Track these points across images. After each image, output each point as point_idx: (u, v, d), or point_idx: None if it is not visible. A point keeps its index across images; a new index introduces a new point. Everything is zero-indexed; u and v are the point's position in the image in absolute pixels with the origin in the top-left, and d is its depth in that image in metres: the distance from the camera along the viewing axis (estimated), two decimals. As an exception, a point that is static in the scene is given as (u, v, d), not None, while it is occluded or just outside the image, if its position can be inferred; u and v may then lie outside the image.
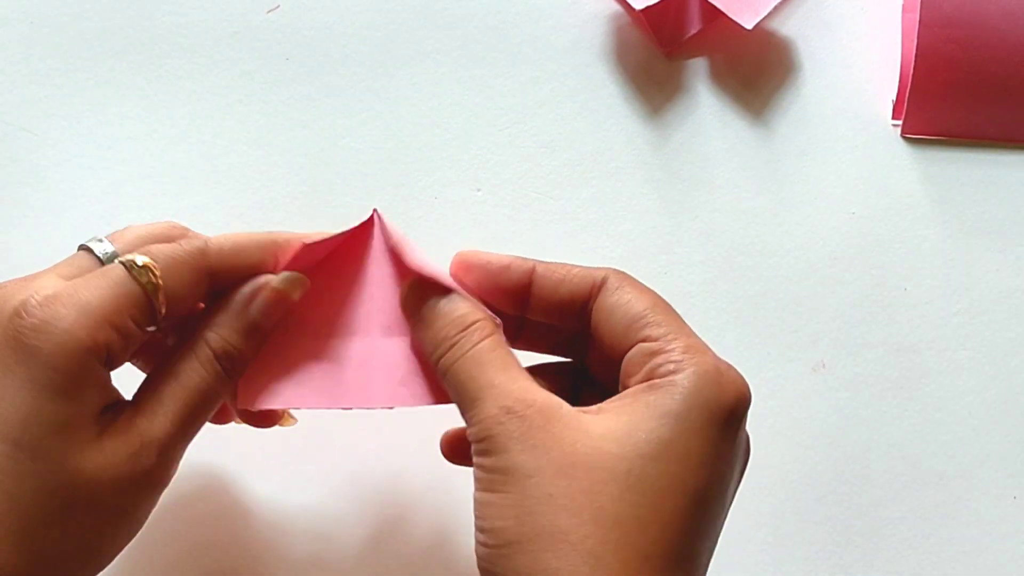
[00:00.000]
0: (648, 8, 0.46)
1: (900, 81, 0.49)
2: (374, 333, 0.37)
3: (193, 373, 0.33)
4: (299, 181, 0.46)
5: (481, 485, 0.31)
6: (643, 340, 0.33)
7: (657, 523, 0.30)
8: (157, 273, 0.32)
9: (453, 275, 0.36)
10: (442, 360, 0.34)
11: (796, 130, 0.48)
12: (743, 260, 0.47)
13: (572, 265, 0.36)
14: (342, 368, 0.37)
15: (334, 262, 0.37)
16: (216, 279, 0.34)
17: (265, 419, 0.39)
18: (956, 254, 0.47)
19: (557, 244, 0.46)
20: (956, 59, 0.47)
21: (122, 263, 0.32)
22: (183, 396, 0.33)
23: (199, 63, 0.47)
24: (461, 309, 0.34)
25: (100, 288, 0.31)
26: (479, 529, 0.31)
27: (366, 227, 0.37)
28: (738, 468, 0.33)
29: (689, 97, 0.48)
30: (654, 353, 0.32)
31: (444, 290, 0.35)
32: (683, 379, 0.31)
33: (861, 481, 0.45)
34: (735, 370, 0.33)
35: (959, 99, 0.48)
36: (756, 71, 0.49)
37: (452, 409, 0.34)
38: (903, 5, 0.50)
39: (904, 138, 0.48)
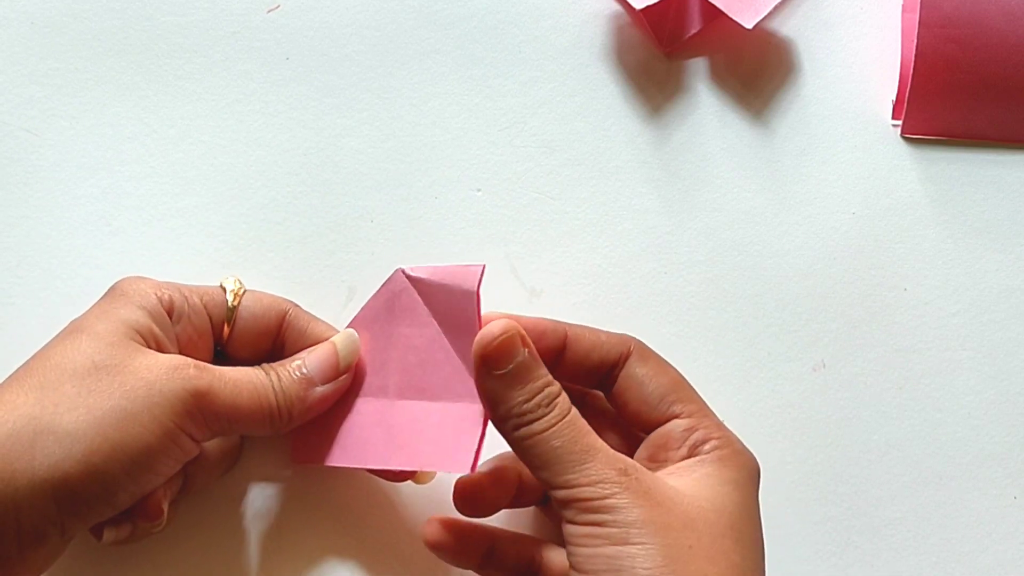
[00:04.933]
0: (648, 8, 0.46)
1: (900, 81, 0.49)
2: (407, 396, 0.39)
3: (252, 371, 0.38)
4: (299, 181, 0.46)
5: (609, 541, 0.34)
6: (676, 416, 0.38)
7: (754, 572, 0.35)
8: (240, 289, 0.40)
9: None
10: (533, 425, 0.35)
11: (796, 130, 0.48)
12: (743, 260, 0.47)
13: (599, 331, 0.40)
14: (375, 430, 0.39)
15: (374, 325, 0.40)
16: (287, 337, 0.41)
17: (399, 475, 0.41)
18: (956, 254, 0.47)
19: (557, 244, 0.46)
20: (956, 59, 0.47)
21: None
22: (239, 372, 0.37)
23: (199, 63, 0.47)
24: (546, 378, 0.36)
25: (191, 284, 0.40)
26: None
27: (392, 287, 0.39)
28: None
29: (689, 97, 0.48)
30: (692, 429, 0.38)
31: (523, 353, 0.36)
32: (731, 455, 0.37)
33: (861, 481, 0.45)
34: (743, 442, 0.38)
35: (959, 99, 0.48)
36: (756, 71, 0.49)
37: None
38: (903, 5, 0.50)
39: (904, 138, 0.48)
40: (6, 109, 0.46)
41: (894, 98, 0.49)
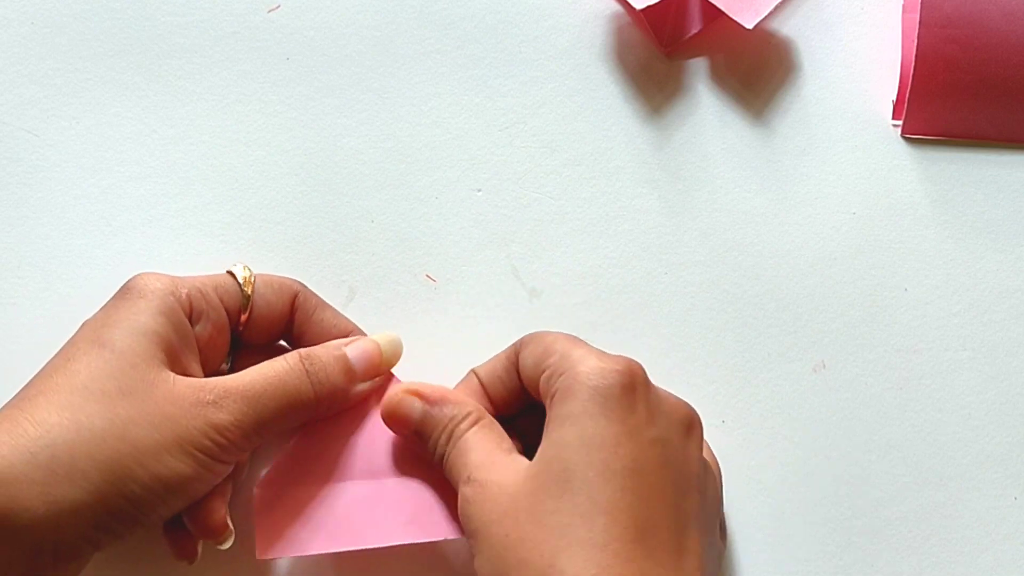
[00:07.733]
0: (648, 8, 0.46)
1: (900, 81, 0.49)
2: (379, 475, 0.39)
3: (280, 366, 0.37)
4: (299, 181, 0.46)
5: (476, 559, 0.34)
6: (542, 372, 0.36)
7: (603, 513, 0.32)
8: (251, 275, 0.40)
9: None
10: (442, 459, 0.37)
11: (796, 130, 0.48)
12: (743, 260, 0.47)
13: (498, 356, 0.39)
14: (350, 511, 0.39)
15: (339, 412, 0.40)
16: (296, 318, 0.40)
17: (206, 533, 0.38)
18: (956, 254, 0.47)
19: (557, 244, 0.46)
20: (956, 59, 0.47)
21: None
22: (262, 378, 0.37)
23: (199, 63, 0.47)
24: (449, 411, 0.37)
25: (200, 275, 0.39)
26: None
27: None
28: (673, 434, 0.35)
29: (689, 97, 0.48)
30: (549, 377, 0.36)
31: (431, 398, 0.38)
32: (566, 381, 0.35)
33: (861, 482, 0.45)
34: (616, 356, 0.35)
35: (959, 99, 0.48)
36: (756, 71, 0.49)
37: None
38: (903, 5, 0.50)
39: (904, 138, 0.48)
40: (6, 109, 0.46)
41: (894, 98, 0.49)
